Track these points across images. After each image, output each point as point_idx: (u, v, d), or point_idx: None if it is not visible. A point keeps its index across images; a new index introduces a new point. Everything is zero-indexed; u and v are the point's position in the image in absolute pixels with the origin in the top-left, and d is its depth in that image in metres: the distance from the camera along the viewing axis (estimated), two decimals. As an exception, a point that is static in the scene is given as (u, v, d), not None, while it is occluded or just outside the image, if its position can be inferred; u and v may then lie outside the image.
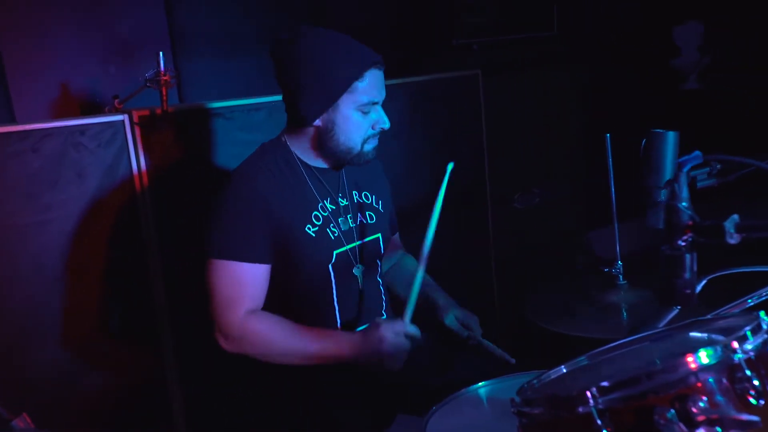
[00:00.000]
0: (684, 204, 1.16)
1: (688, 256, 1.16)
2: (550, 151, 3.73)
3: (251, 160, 1.98)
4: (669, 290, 1.17)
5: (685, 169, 1.21)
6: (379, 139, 1.99)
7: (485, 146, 3.32)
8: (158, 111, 2.39)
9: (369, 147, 1.96)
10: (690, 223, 1.14)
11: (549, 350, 1.68)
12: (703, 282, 1.35)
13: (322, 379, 1.92)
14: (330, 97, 1.89)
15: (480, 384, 1.74)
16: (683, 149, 1.64)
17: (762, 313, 1.12)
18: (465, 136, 3.27)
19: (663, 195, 1.68)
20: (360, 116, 1.92)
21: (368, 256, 2.03)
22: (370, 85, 1.91)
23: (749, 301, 1.36)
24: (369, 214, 2.07)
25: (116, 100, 2.57)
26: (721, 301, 1.41)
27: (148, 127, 2.40)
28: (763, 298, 1.34)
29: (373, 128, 1.94)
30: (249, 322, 1.84)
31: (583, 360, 1.27)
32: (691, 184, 1.71)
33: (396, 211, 2.91)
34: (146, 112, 2.40)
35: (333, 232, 1.96)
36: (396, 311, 2.19)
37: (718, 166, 1.77)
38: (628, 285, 1.82)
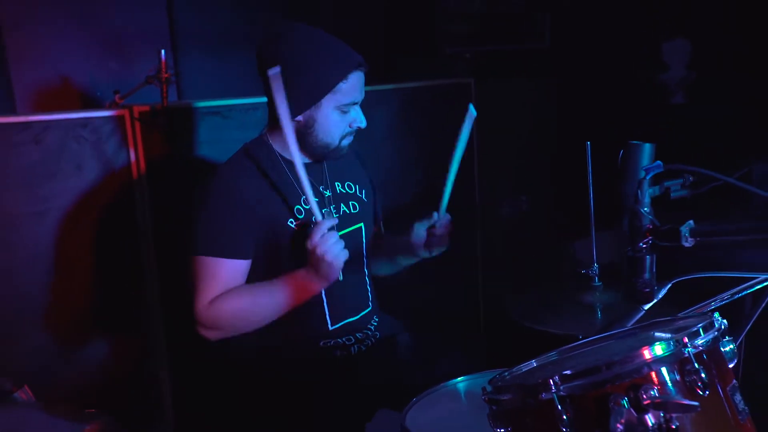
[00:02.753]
0: (645, 209, 1.23)
1: (648, 257, 1.24)
2: (538, 160, 3.81)
3: (233, 159, 2.04)
4: (630, 289, 1.25)
5: (648, 177, 1.29)
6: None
7: (476, 153, 3.40)
8: (158, 107, 2.46)
9: (345, 143, 2.04)
10: (650, 227, 1.22)
11: (528, 347, 1.75)
12: (668, 285, 1.44)
13: (303, 376, 1.99)
14: (314, 96, 1.95)
15: (459, 379, 1.81)
16: (667, 161, 1.73)
17: (717, 314, 1.21)
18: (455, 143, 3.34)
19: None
20: (339, 115, 1.98)
21: (350, 246, 2.08)
22: (353, 86, 1.97)
23: (712, 304, 1.44)
24: (352, 204, 2.14)
25: (117, 95, 2.64)
26: (689, 304, 1.50)
27: (147, 123, 2.47)
28: (726, 301, 1.43)
29: (350, 126, 2.02)
30: (214, 304, 1.90)
31: (553, 355, 1.35)
32: (665, 194, 1.81)
33: (387, 213, 2.99)
34: (146, 108, 2.47)
35: None
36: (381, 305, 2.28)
37: (691, 178, 1.86)
38: (603, 286, 1.90)
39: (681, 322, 1.27)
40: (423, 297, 2.34)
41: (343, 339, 2.06)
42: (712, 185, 1.87)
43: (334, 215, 2.07)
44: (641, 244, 1.22)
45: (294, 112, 1.95)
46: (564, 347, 1.35)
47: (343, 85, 1.95)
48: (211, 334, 1.94)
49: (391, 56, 3.65)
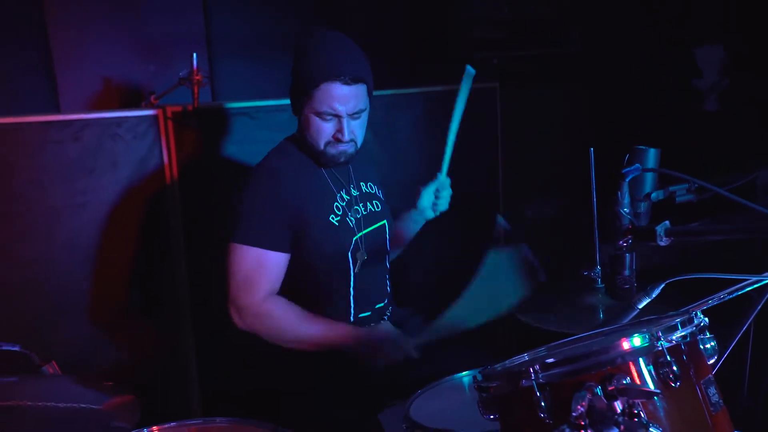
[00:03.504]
0: (625, 210, 1.29)
1: (627, 255, 1.30)
2: (566, 164, 3.84)
3: (274, 155, 2.14)
4: (612, 286, 1.31)
5: (627, 180, 1.34)
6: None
7: (500, 157, 3.45)
8: (189, 108, 2.58)
9: (333, 151, 2.06)
10: (629, 226, 1.28)
11: (530, 344, 1.81)
12: (662, 285, 1.49)
13: (314, 370, 2.08)
14: (296, 97, 2.06)
15: (464, 373, 1.88)
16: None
17: (698, 313, 1.26)
18: (481, 146, 3.41)
19: (643, 207, 1.83)
20: (320, 121, 2.03)
21: (374, 243, 2.17)
22: (327, 94, 1.98)
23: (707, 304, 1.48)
24: (375, 203, 2.24)
25: (152, 96, 2.78)
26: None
27: (179, 123, 2.59)
28: (717, 302, 1.47)
29: (333, 137, 2.05)
30: (265, 304, 2.00)
31: (543, 349, 1.41)
32: (670, 198, 1.86)
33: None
34: (179, 109, 2.60)
35: (351, 221, 2.12)
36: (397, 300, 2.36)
37: (696, 184, 1.90)
38: (605, 288, 1.95)
39: (667, 319, 1.32)
40: (440, 294, 2.41)
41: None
42: (716, 191, 1.92)
43: (363, 212, 2.16)
44: (621, 242, 1.28)
45: (295, 111, 2.10)
46: (554, 343, 1.41)
47: (316, 92, 2.00)
48: (246, 325, 2.02)
49: (419, 62, 3.73)
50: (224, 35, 3.41)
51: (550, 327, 1.84)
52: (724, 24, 3.79)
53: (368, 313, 2.19)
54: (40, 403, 1.27)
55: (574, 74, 3.84)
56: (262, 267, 2.00)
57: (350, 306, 2.15)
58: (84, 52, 3.11)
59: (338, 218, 2.10)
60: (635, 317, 1.50)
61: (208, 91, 3.31)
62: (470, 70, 2.07)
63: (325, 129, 2.04)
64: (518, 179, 3.54)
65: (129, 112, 2.56)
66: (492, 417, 1.30)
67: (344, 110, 2.01)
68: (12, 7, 2.93)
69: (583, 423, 0.98)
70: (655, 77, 3.97)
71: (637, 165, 1.37)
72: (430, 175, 3.18)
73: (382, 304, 2.23)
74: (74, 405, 1.29)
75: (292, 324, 2.02)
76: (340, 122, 2.02)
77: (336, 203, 2.11)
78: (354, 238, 2.12)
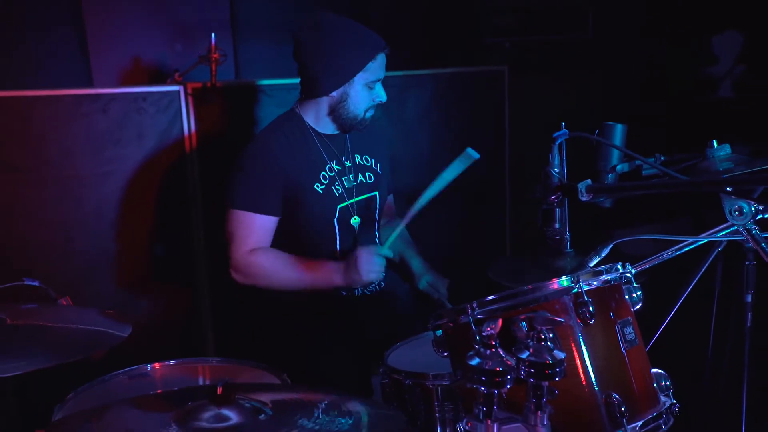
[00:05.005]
0: (555, 170, 1.45)
1: (558, 210, 1.46)
2: (575, 147, 3.95)
3: (269, 127, 2.36)
4: (544, 237, 1.47)
5: (557, 143, 1.49)
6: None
7: (507, 140, 3.59)
8: (208, 84, 2.79)
9: (369, 114, 2.34)
10: (558, 184, 1.43)
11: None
12: (611, 246, 1.65)
13: (313, 317, 2.28)
14: (349, 74, 2.25)
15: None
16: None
17: (628, 265, 1.42)
18: (488, 128, 3.56)
19: (610, 178, 1.98)
20: (367, 90, 2.29)
21: (365, 210, 2.37)
22: (379, 65, 2.28)
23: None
24: (368, 174, 2.41)
25: (177, 73, 2.99)
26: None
27: (199, 98, 2.80)
28: (659, 261, 1.62)
29: (373, 100, 2.31)
30: (253, 256, 2.22)
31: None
32: (638, 171, 2.00)
33: (414, 192, 3.24)
34: (199, 85, 2.80)
35: (337, 190, 2.31)
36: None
37: (662, 158, 2.04)
38: (573, 252, 2.10)
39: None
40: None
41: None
42: (685, 165, 2.06)
43: (353, 183, 2.35)
44: (551, 197, 1.44)
45: (329, 89, 2.27)
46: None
47: (372, 65, 2.25)
48: (241, 279, 2.26)
49: (435, 46, 3.87)
50: (248, 18, 3.59)
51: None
52: (742, 11, 3.84)
53: None
54: (51, 324, 1.50)
55: (585, 61, 3.94)
56: (249, 228, 2.23)
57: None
58: (116, 31, 3.31)
59: (323, 186, 2.28)
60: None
61: (232, 70, 3.51)
62: (472, 153, 2.15)
63: (369, 96, 2.30)
64: (524, 161, 3.66)
65: (153, 88, 2.78)
66: (445, 354, 1.47)
67: (384, 75, 2.31)
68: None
69: (494, 343, 1.15)
70: (668, 64, 4.05)
71: (565, 130, 1.51)
72: (434, 153, 3.36)
73: None
74: (79, 326, 1.52)
75: (278, 269, 2.23)
76: (379, 87, 2.30)
77: (323, 172, 2.30)
78: (339, 206, 2.30)
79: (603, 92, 3.98)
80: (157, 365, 1.77)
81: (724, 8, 3.87)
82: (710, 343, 2.12)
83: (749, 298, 1.77)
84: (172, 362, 1.79)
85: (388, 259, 2.41)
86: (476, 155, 2.13)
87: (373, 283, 2.25)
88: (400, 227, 2.24)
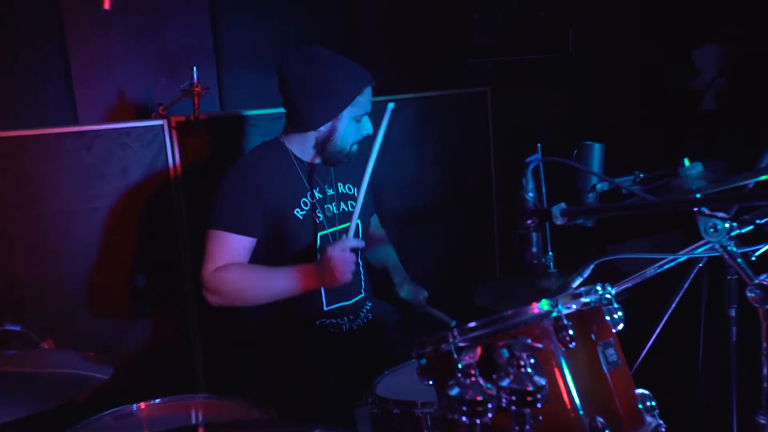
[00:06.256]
0: (530, 194, 1.46)
1: (534, 234, 1.47)
2: (556, 170, 3.96)
3: (251, 151, 2.38)
4: (522, 263, 1.48)
5: (530, 168, 1.50)
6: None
7: (492, 159, 3.61)
8: (192, 117, 2.80)
9: (355, 148, 2.35)
10: (534, 209, 1.44)
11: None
12: (592, 266, 1.66)
13: (301, 350, 2.27)
14: (338, 108, 2.27)
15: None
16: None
17: (607, 286, 1.43)
18: (473, 149, 3.58)
19: (591, 198, 2.00)
20: (354, 124, 2.31)
21: None
22: (367, 99, 2.31)
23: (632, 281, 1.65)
24: (351, 204, 2.42)
25: (160, 107, 3.00)
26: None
27: (183, 131, 2.81)
28: (639, 280, 1.63)
29: (360, 134, 2.33)
30: (221, 271, 2.19)
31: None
32: (618, 189, 2.01)
33: (406, 212, 3.25)
34: (182, 118, 2.82)
35: (318, 217, 2.32)
36: (377, 292, 2.55)
37: (641, 175, 2.06)
38: (557, 273, 2.11)
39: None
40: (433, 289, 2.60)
41: (337, 320, 2.34)
42: (662, 182, 2.07)
43: (335, 211, 2.35)
44: (528, 222, 1.45)
45: (318, 123, 2.28)
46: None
47: (360, 98, 2.28)
48: (213, 299, 2.22)
49: (420, 70, 3.90)
50: (232, 47, 3.62)
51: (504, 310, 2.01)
52: (721, 24, 3.88)
53: (344, 303, 2.36)
54: (32, 370, 1.51)
55: (567, 78, 3.97)
56: (223, 247, 2.20)
57: (321, 297, 2.33)
58: (101, 66, 3.33)
59: (303, 213, 2.29)
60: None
61: (217, 101, 3.54)
62: (390, 105, 2.20)
63: (357, 130, 2.32)
64: (510, 181, 3.67)
65: (137, 123, 2.79)
66: (430, 382, 1.47)
67: (370, 108, 2.33)
68: (33, 25, 3.18)
69: (473, 372, 1.15)
70: (651, 79, 4.09)
71: (538, 155, 1.53)
72: (420, 175, 3.38)
73: (358, 298, 2.41)
74: (60, 370, 1.52)
75: (249, 280, 2.20)
76: (366, 120, 2.32)
77: (304, 198, 2.30)
78: (320, 234, 2.30)
79: (584, 110, 4.00)
80: (143, 405, 1.76)
81: (703, 22, 3.93)
82: (699, 358, 2.12)
83: (733, 313, 1.77)
84: (158, 401, 1.77)
85: (376, 290, 2.43)
86: (392, 105, 2.18)
87: (349, 281, 2.18)
88: (360, 200, 2.21)
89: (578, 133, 3.92)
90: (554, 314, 1.31)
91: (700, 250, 1.55)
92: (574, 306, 1.34)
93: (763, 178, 1.48)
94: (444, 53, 3.90)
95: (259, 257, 2.26)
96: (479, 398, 1.12)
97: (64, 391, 1.40)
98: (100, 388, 1.46)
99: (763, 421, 1.40)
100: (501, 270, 3.66)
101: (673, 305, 1.74)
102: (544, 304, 1.31)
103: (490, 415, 1.13)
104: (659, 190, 1.67)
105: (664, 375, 1.75)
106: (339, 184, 2.41)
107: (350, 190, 2.44)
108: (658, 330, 1.75)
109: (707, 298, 2.10)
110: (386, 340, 2.38)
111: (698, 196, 1.49)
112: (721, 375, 2.09)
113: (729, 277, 1.76)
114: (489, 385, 1.16)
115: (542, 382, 1.17)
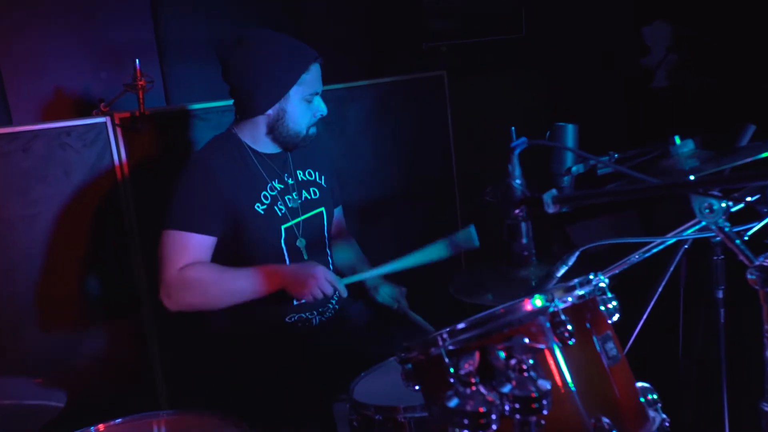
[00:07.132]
0: (517, 181, 1.36)
1: (523, 224, 1.37)
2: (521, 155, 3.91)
3: (204, 147, 2.24)
4: (510, 254, 1.38)
5: (516, 153, 1.41)
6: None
7: (452, 145, 3.53)
8: (137, 113, 2.63)
9: (312, 131, 2.23)
10: (522, 197, 1.35)
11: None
12: (577, 253, 1.57)
13: (271, 349, 2.15)
14: (283, 88, 2.15)
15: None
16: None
17: (600, 275, 1.34)
18: (432, 135, 3.49)
19: (566, 181, 1.91)
20: (305, 105, 2.19)
21: (312, 229, 2.26)
22: (315, 77, 2.19)
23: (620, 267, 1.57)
24: (313, 190, 2.32)
25: (102, 104, 2.82)
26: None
27: (128, 128, 2.64)
28: (627, 266, 1.55)
29: (314, 116, 2.21)
30: (182, 273, 2.06)
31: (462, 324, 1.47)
32: (593, 171, 1.93)
33: (365, 204, 3.13)
34: (127, 115, 2.64)
35: (280, 209, 2.21)
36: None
37: (616, 155, 1.98)
38: (537, 261, 2.02)
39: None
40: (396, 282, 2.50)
41: (306, 314, 2.23)
42: (640, 160, 2.00)
43: (297, 201, 2.24)
44: (516, 212, 1.35)
45: (265, 107, 2.15)
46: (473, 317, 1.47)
47: (307, 77, 2.16)
48: (172, 303, 2.08)
49: (374, 56, 3.78)
50: (174, 40, 3.44)
51: (482, 302, 1.91)
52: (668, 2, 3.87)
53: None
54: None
55: (521, 60, 3.91)
56: (183, 247, 2.08)
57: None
58: (34, 62, 3.12)
59: (264, 207, 2.17)
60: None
61: (162, 95, 3.35)
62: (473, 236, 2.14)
63: (309, 110, 2.19)
64: (472, 165, 3.60)
65: (77, 121, 2.60)
66: (416, 388, 1.36)
67: (321, 88, 2.21)
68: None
69: (473, 381, 1.05)
70: (602, 57, 4.06)
71: (524, 138, 1.43)
72: (379, 165, 3.27)
73: None
74: (7, 402, 1.36)
75: (215, 281, 2.09)
76: (318, 101, 2.21)
77: (264, 192, 2.19)
78: (283, 227, 2.18)
79: (542, 91, 3.96)
80: (101, 427, 1.61)
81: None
82: (680, 343, 2.07)
83: (720, 294, 1.71)
84: (118, 421, 1.63)
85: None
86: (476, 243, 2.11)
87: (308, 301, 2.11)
88: (366, 274, 2.17)
89: (538, 115, 3.93)
90: (551, 309, 1.21)
91: (690, 231, 1.48)
92: (569, 299, 1.25)
93: (765, 155, 1.41)
94: (397, 39, 3.79)
95: (220, 256, 2.14)
96: (482, 410, 1.02)
97: (17, 425, 1.24)
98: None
99: (767, 409, 1.33)
100: (466, 260, 3.58)
101: (660, 290, 1.67)
102: (538, 299, 1.21)
103: (494, 426, 1.02)
104: (645, 170, 1.59)
105: (649, 362, 1.68)
106: (298, 171, 2.30)
107: (311, 176, 2.33)
108: (644, 316, 1.68)
109: (685, 281, 2.05)
110: (357, 331, 2.26)
111: (703, 178, 1.41)
112: (704, 358, 2.04)
113: (715, 258, 1.70)
114: (489, 393, 1.06)
115: (547, 386, 1.07)
